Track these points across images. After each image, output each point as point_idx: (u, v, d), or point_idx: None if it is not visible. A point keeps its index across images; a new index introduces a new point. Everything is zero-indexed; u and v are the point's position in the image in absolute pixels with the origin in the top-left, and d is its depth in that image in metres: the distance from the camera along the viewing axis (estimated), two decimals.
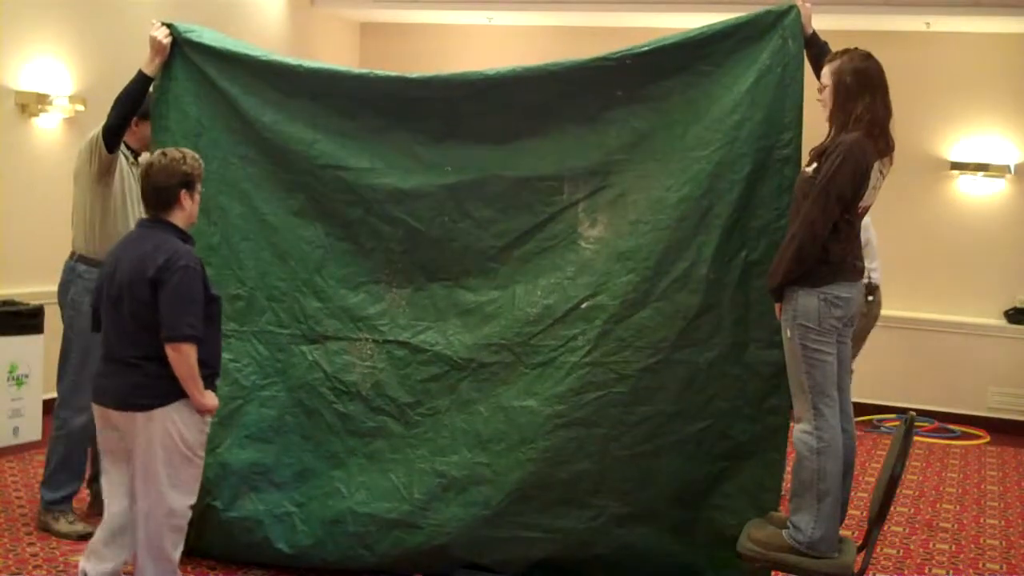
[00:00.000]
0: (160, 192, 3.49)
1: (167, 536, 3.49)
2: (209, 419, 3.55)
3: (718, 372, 3.95)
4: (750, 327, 3.95)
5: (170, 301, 3.35)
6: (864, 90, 3.62)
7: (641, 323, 3.95)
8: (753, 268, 3.94)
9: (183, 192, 3.49)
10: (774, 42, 3.91)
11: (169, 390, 3.40)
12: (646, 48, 4.05)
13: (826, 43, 3.94)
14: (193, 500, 3.56)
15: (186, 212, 3.53)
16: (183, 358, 3.35)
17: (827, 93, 3.70)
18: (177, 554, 3.55)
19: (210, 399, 3.47)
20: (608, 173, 4.08)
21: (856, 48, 3.72)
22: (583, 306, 3.99)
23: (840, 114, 3.65)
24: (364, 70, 4.34)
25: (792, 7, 3.93)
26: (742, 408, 3.96)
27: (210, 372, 3.51)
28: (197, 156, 3.59)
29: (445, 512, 4.02)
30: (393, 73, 4.28)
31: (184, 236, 3.53)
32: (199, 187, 3.57)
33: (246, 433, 4.16)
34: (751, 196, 3.92)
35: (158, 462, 3.42)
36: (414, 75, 4.24)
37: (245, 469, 4.13)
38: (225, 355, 3.99)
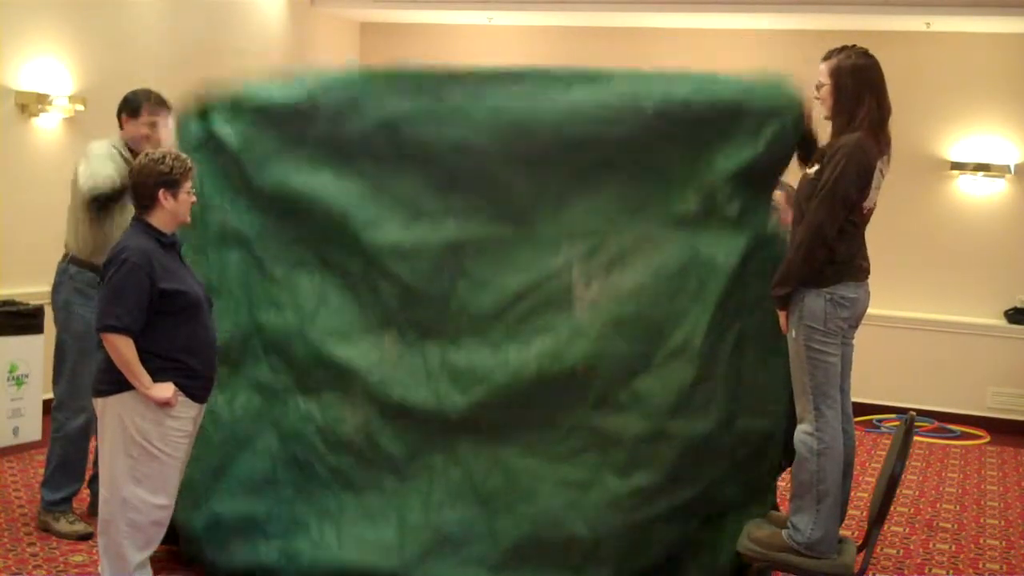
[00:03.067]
0: (139, 192, 3.57)
1: (123, 531, 3.49)
2: (180, 413, 3.51)
3: (712, 443, 3.90)
4: (742, 397, 3.92)
5: (104, 293, 3.48)
6: (865, 89, 3.61)
7: (637, 390, 3.91)
8: (746, 340, 3.92)
9: (162, 192, 3.53)
10: (775, 125, 3.88)
11: (121, 378, 3.45)
12: (651, 110, 3.96)
13: (816, 140, 3.91)
14: (163, 501, 3.53)
15: (167, 211, 3.56)
16: (111, 348, 3.43)
17: (825, 91, 3.69)
18: (138, 557, 3.51)
19: (159, 390, 3.44)
20: (606, 234, 4.02)
21: (854, 45, 3.70)
22: (579, 370, 3.94)
23: (842, 113, 3.63)
24: (368, 120, 4.21)
25: (800, 101, 3.89)
26: (731, 473, 3.94)
27: (171, 365, 3.49)
28: (181, 156, 3.60)
29: (439, 569, 3.95)
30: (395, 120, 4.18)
31: (159, 235, 3.55)
32: (186, 186, 3.57)
33: (238, 483, 4.08)
34: (745, 268, 3.91)
35: (113, 450, 3.49)
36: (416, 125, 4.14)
37: (237, 521, 4.04)
38: (219, 399, 3.96)
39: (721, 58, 8.54)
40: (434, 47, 9.30)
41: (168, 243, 3.58)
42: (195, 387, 3.57)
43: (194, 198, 3.65)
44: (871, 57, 3.67)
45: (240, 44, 8.02)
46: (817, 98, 3.73)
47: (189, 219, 3.67)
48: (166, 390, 3.46)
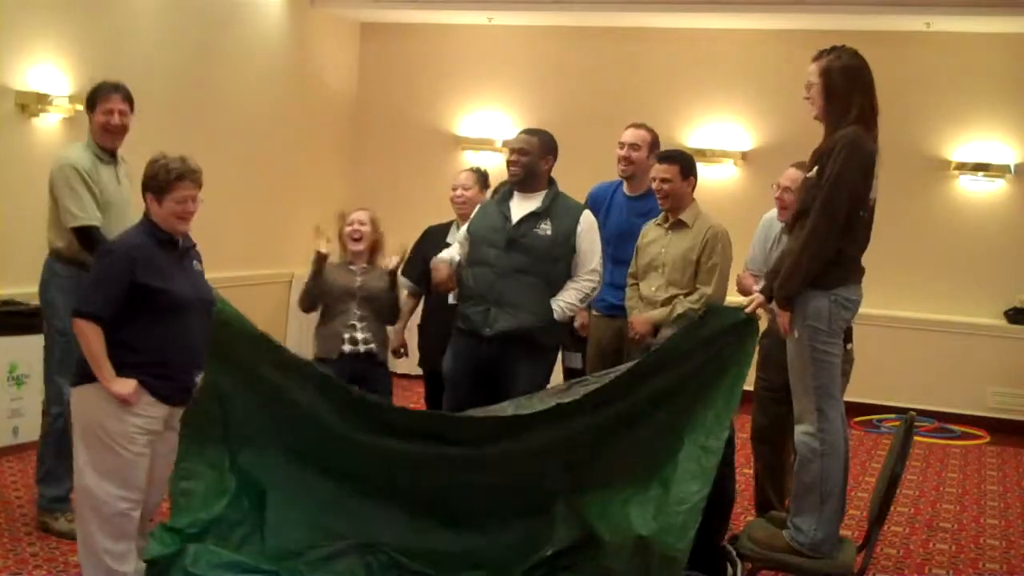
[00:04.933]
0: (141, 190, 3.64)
1: (92, 521, 3.54)
2: (143, 411, 3.49)
3: None
4: None
5: (86, 282, 3.53)
6: (855, 89, 3.63)
7: None
8: None
9: (148, 195, 3.58)
10: (733, 345, 3.89)
11: (85, 371, 3.49)
12: (607, 380, 4.03)
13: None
14: (125, 493, 3.53)
15: (156, 215, 3.57)
16: (80, 334, 3.46)
17: (815, 91, 3.70)
18: (112, 547, 3.52)
19: (119, 385, 3.44)
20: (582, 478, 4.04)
21: (843, 45, 3.72)
22: None
23: (833, 112, 3.65)
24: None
25: (751, 320, 3.89)
26: None
27: (143, 361, 3.48)
28: (171, 165, 3.54)
29: None
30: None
31: (158, 232, 3.56)
32: (174, 195, 3.53)
33: None
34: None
35: (77, 439, 3.55)
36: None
37: None
38: None
39: (720, 58, 8.57)
40: (434, 47, 9.32)
41: (165, 240, 3.59)
42: (164, 388, 3.55)
43: (189, 208, 3.57)
44: (861, 58, 3.68)
45: (240, 44, 8.03)
46: (807, 98, 3.74)
47: (182, 228, 3.62)
48: (126, 386, 3.45)
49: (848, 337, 4.33)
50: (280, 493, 4.19)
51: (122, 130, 4.56)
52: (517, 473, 4.10)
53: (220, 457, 4.18)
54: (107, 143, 4.56)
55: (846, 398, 3.84)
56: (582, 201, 4.97)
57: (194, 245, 3.75)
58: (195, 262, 3.75)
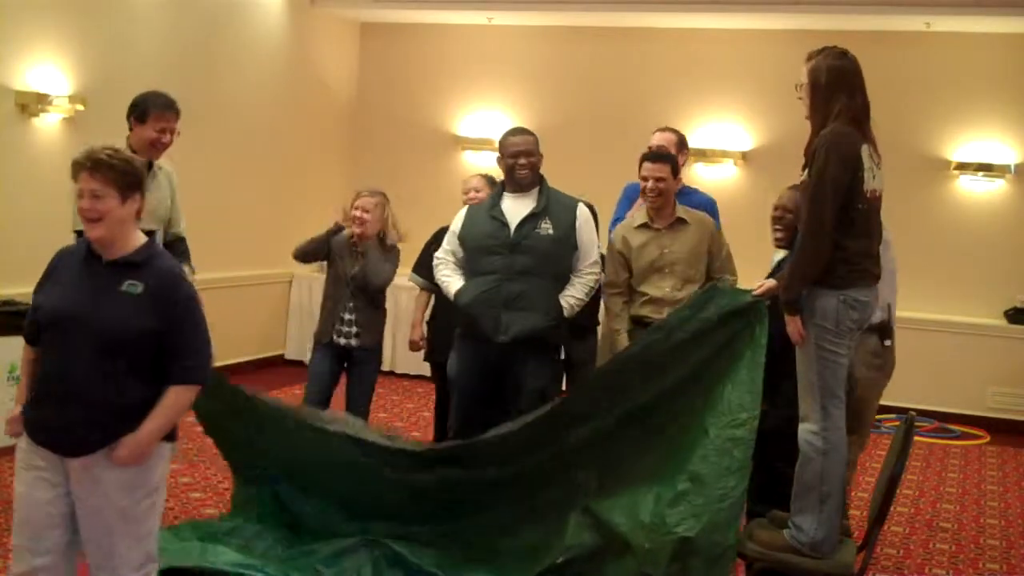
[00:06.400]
0: None
1: None
2: (23, 448, 2.96)
3: None
4: None
5: None
6: (838, 87, 3.65)
7: None
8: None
9: None
10: (744, 332, 3.86)
11: None
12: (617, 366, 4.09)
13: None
14: (16, 534, 3.01)
15: None
16: None
17: (804, 91, 3.72)
18: None
19: (8, 413, 3.02)
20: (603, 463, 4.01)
21: (833, 46, 3.75)
22: None
23: (818, 112, 3.68)
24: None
25: (758, 303, 3.87)
26: None
27: (28, 388, 3.01)
28: (78, 158, 2.93)
29: None
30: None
31: (88, 241, 3.04)
32: (77, 188, 2.94)
33: None
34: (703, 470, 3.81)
35: None
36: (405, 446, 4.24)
37: None
38: None
39: (720, 58, 8.57)
40: (434, 47, 9.32)
41: (86, 249, 3.02)
42: (29, 422, 2.96)
43: (86, 205, 2.90)
44: (848, 58, 3.71)
45: (240, 44, 8.04)
46: (800, 98, 3.77)
47: (91, 233, 2.95)
48: (10, 413, 3.02)
49: (886, 335, 4.34)
50: (305, 521, 4.22)
51: (167, 148, 4.47)
52: (543, 476, 4.06)
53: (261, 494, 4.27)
54: (149, 156, 4.38)
55: None
56: (589, 198, 4.91)
57: (138, 263, 2.94)
58: (130, 283, 2.91)
